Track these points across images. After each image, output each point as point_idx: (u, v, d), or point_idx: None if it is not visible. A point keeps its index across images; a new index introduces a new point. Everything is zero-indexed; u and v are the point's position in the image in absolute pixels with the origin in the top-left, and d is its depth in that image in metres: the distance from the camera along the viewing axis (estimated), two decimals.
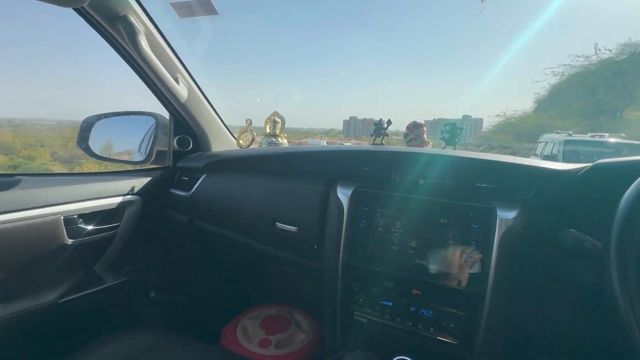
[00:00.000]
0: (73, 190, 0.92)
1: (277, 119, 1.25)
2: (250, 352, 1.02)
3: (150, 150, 1.23)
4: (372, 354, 0.75)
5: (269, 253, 0.99)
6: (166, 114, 1.21)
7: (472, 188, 0.74)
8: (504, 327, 0.67)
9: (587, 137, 5.08)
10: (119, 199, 1.03)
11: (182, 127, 1.21)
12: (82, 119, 1.19)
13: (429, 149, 0.94)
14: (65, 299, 0.94)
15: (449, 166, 0.75)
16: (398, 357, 0.64)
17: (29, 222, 0.82)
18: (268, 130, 1.25)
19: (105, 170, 1.24)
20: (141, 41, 0.83)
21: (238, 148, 1.27)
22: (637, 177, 0.47)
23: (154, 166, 1.25)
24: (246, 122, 1.28)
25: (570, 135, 5.04)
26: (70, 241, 0.90)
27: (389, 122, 0.95)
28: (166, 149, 1.25)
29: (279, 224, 0.91)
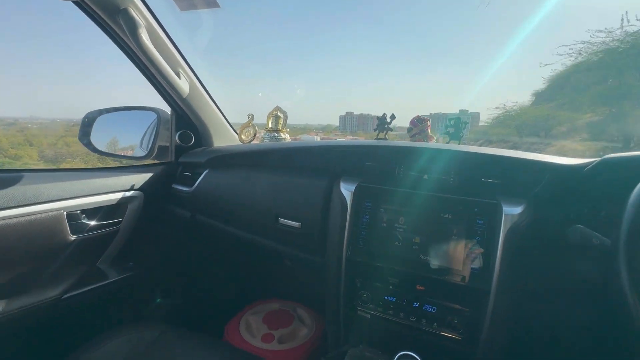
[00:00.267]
0: (76, 186, 0.92)
1: (279, 114, 1.24)
2: (253, 347, 1.02)
3: (152, 145, 1.23)
4: (376, 349, 0.75)
5: (272, 248, 0.99)
6: (168, 109, 1.20)
7: (477, 183, 0.73)
8: (508, 322, 0.67)
9: None
10: (121, 195, 1.02)
11: (184, 122, 1.21)
12: (77, 116, 1.19)
13: (433, 143, 0.93)
14: (68, 295, 0.94)
15: (454, 161, 0.74)
16: (402, 352, 0.63)
17: (32, 217, 0.82)
18: (270, 125, 1.24)
19: (105, 166, 1.24)
20: (142, 35, 0.82)
21: (240, 143, 1.26)
22: None
23: (156, 161, 1.25)
24: (248, 117, 1.28)
25: None
26: (73, 237, 0.90)
27: (393, 117, 0.94)
28: (168, 144, 1.24)
29: (281, 220, 0.90)
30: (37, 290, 0.89)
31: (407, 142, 0.92)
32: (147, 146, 1.24)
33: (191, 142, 1.23)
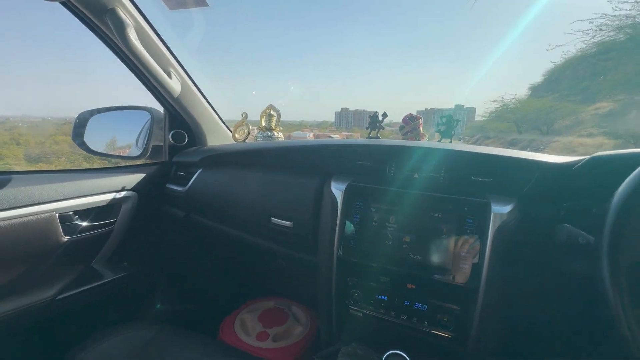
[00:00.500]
0: (68, 187, 0.91)
1: (272, 112, 1.24)
2: (247, 345, 1.03)
3: (146, 145, 1.23)
4: (368, 347, 0.76)
5: (266, 247, 0.99)
6: (161, 109, 1.20)
7: (468, 182, 0.73)
8: (497, 320, 0.67)
9: None
10: (114, 195, 1.02)
11: (177, 121, 1.20)
12: (69, 115, 1.18)
13: (424, 142, 0.93)
14: (62, 296, 0.95)
15: (444, 160, 0.74)
16: (390, 352, 0.64)
17: (24, 219, 0.82)
18: (264, 124, 1.24)
19: (92, 167, 1.24)
20: (130, 35, 0.82)
21: (234, 142, 1.26)
22: (634, 170, 0.46)
23: (150, 161, 1.25)
24: (242, 116, 1.27)
25: None
26: (66, 238, 0.91)
27: (385, 115, 0.94)
28: (162, 143, 1.24)
29: (274, 219, 0.90)
30: (31, 291, 0.89)
31: (398, 141, 0.92)
32: (142, 146, 1.24)
33: (185, 141, 1.23)
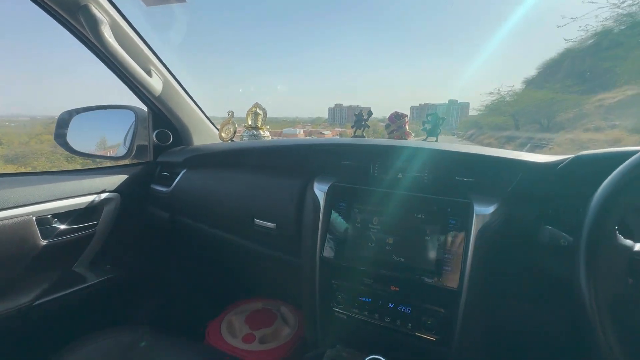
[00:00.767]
0: (46, 190, 0.89)
1: (258, 111, 1.21)
2: (234, 347, 1.01)
3: (130, 144, 1.20)
4: (353, 349, 0.75)
5: (251, 249, 0.97)
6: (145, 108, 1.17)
7: (452, 182, 0.71)
8: (481, 322, 0.66)
9: None
10: (96, 197, 1.00)
11: (161, 120, 1.18)
12: (57, 113, 1.15)
13: (409, 141, 0.91)
14: (42, 300, 0.93)
15: (428, 159, 0.73)
16: (370, 357, 0.62)
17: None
18: (250, 123, 1.22)
19: (75, 167, 1.21)
20: (104, 32, 0.79)
21: (220, 141, 1.24)
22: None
23: (135, 161, 1.22)
24: (228, 114, 1.25)
25: None
26: (44, 242, 0.88)
27: (370, 114, 0.92)
28: (147, 143, 1.22)
29: (257, 221, 0.89)
30: (7, 297, 0.87)
31: (382, 140, 0.90)
32: (127, 146, 1.21)
33: (169, 140, 1.20)
